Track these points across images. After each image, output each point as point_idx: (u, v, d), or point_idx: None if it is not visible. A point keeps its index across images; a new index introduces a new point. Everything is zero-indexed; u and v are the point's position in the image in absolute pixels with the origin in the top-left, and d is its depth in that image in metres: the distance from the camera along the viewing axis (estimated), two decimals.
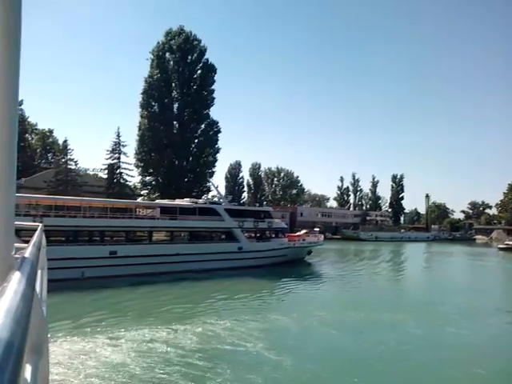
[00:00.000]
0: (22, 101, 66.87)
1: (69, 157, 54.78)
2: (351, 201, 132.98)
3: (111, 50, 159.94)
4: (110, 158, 58.10)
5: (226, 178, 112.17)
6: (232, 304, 21.64)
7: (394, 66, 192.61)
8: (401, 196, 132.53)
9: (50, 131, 76.60)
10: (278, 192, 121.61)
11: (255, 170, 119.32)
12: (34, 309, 1.09)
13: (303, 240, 44.25)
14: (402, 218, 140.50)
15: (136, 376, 11.24)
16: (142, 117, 60.99)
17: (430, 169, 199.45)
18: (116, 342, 14.12)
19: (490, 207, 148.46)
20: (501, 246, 76.12)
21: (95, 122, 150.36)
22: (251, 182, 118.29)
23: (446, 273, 42.02)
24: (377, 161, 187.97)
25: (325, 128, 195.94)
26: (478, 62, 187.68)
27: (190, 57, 62.31)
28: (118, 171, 57.91)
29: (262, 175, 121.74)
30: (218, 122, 64.85)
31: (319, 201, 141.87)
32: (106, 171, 58.55)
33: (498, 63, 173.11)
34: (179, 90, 62.00)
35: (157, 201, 45.79)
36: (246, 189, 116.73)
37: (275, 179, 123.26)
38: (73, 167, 54.65)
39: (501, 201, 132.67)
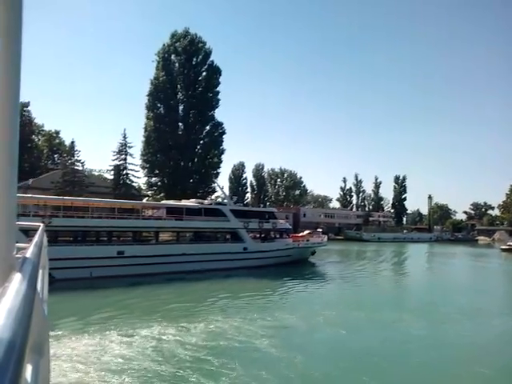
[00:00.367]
0: (28, 102, 67.72)
1: (76, 158, 55.43)
2: (354, 201, 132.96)
3: (115, 48, 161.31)
4: (116, 159, 58.66)
5: (230, 178, 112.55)
6: (239, 303, 21.85)
7: (396, 65, 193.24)
8: (403, 197, 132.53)
9: (57, 132, 77.29)
10: (281, 193, 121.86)
11: (258, 170, 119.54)
12: (35, 309, 1.11)
13: (307, 240, 44.71)
14: (404, 219, 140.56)
15: (149, 370, 11.59)
16: (147, 118, 61.53)
17: (432, 169, 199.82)
18: (127, 338, 14.43)
19: (493, 208, 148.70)
20: (503, 247, 76.03)
21: (98, 120, 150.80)
22: (254, 182, 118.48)
23: (449, 273, 42.16)
24: (379, 161, 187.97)
25: (327, 127, 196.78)
26: (480, 62, 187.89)
27: (195, 59, 62.82)
28: (124, 172, 58.51)
29: (266, 176, 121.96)
30: (222, 124, 65.48)
31: (322, 202, 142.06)
32: (113, 172, 59.12)
33: (500, 64, 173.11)
34: (184, 91, 62.51)
35: (163, 201, 46.21)
36: (249, 189, 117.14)
37: (278, 180, 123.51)
38: (79, 168, 55.19)
39: (503, 202, 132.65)
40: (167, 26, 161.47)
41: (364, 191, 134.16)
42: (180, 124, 62.87)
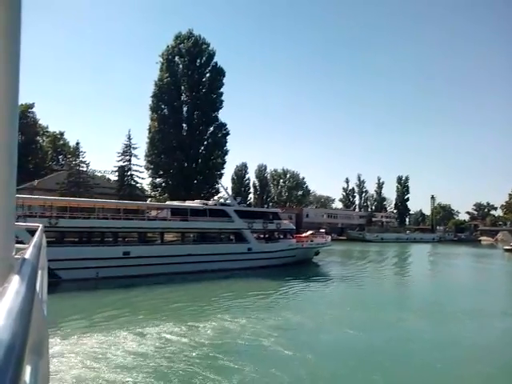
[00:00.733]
0: (33, 104, 68.10)
1: (80, 159, 55.83)
2: (356, 202, 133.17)
3: (116, 50, 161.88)
4: (120, 160, 59.14)
5: (233, 179, 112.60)
6: (244, 303, 21.98)
7: (398, 66, 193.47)
8: (406, 197, 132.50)
9: (61, 134, 77.78)
10: (284, 193, 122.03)
11: (261, 171, 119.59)
12: (34, 309, 1.11)
13: (311, 241, 44.91)
14: (407, 219, 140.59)
15: (161, 365, 11.86)
16: (152, 119, 61.88)
17: (435, 170, 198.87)
18: (136, 336, 14.70)
19: (495, 208, 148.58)
20: (506, 248, 75.88)
21: (100, 122, 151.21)
22: (257, 183, 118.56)
23: (452, 274, 42.18)
24: (382, 161, 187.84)
25: (329, 128, 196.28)
26: (482, 62, 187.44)
27: (198, 60, 63.17)
28: (128, 173, 58.86)
29: (268, 177, 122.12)
30: (226, 125, 65.81)
31: (324, 202, 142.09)
32: (117, 173, 59.48)
33: (502, 64, 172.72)
34: (188, 93, 62.85)
35: (167, 202, 46.47)
36: (251, 190, 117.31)
37: (281, 180, 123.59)
38: (84, 169, 55.62)
39: (506, 202, 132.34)
40: (168, 27, 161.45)
41: (367, 192, 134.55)
42: (184, 125, 63.20)
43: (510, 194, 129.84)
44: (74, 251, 27.51)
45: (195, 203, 38.78)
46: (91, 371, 11.32)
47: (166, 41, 63.67)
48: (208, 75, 63.97)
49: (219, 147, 64.89)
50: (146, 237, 34.31)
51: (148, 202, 56.60)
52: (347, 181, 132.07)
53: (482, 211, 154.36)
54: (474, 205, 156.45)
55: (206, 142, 64.02)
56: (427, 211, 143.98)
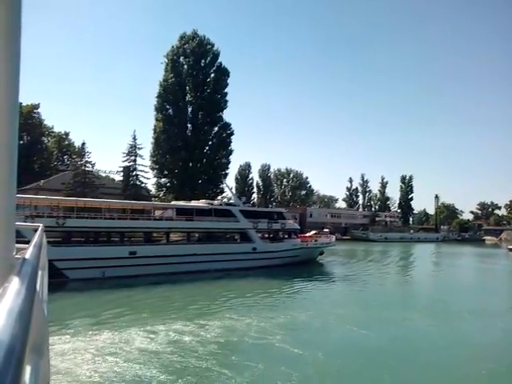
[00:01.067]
0: (38, 104, 68.51)
1: (86, 159, 56.16)
2: (360, 201, 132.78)
3: (119, 49, 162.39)
4: (126, 160, 59.49)
5: (236, 179, 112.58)
6: (249, 302, 22.10)
7: (400, 65, 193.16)
8: (410, 197, 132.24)
9: (66, 134, 78.22)
10: (288, 193, 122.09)
11: (265, 171, 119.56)
12: (34, 309, 1.11)
13: (315, 241, 45.07)
14: (411, 219, 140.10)
15: (171, 361, 12.11)
16: (157, 120, 62.06)
17: (438, 169, 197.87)
18: (145, 333, 14.95)
19: (499, 208, 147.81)
20: (511, 247, 75.70)
21: (104, 122, 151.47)
22: (261, 183, 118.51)
23: (456, 273, 42.22)
24: (385, 161, 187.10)
25: (331, 127, 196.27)
26: (483, 61, 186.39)
27: (203, 60, 63.29)
28: (133, 173, 59.18)
29: (272, 176, 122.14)
30: (230, 125, 65.80)
31: (328, 202, 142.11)
32: (122, 173, 59.77)
33: (504, 63, 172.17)
34: (193, 93, 62.96)
35: (173, 202, 46.64)
36: (255, 190, 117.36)
37: (284, 180, 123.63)
38: (89, 169, 55.90)
39: (510, 201, 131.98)
40: (170, 25, 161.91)
41: (370, 191, 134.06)
42: (189, 125, 63.33)
43: None
44: (80, 251, 27.80)
45: (201, 203, 38.98)
46: (104, 366, 11.63)
47: (168, 39, 64.48)
48: (213, 75, 64.09)
49: (224, 147, 65.05)
50: (152, 237, 34.53)
51: (153, 202, 56.91)
52: (351, 180, 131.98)
53: (485, 210, 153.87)
54: (478, 204, 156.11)
55: (210, 142, 64.16)
56: (431, 211, 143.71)
